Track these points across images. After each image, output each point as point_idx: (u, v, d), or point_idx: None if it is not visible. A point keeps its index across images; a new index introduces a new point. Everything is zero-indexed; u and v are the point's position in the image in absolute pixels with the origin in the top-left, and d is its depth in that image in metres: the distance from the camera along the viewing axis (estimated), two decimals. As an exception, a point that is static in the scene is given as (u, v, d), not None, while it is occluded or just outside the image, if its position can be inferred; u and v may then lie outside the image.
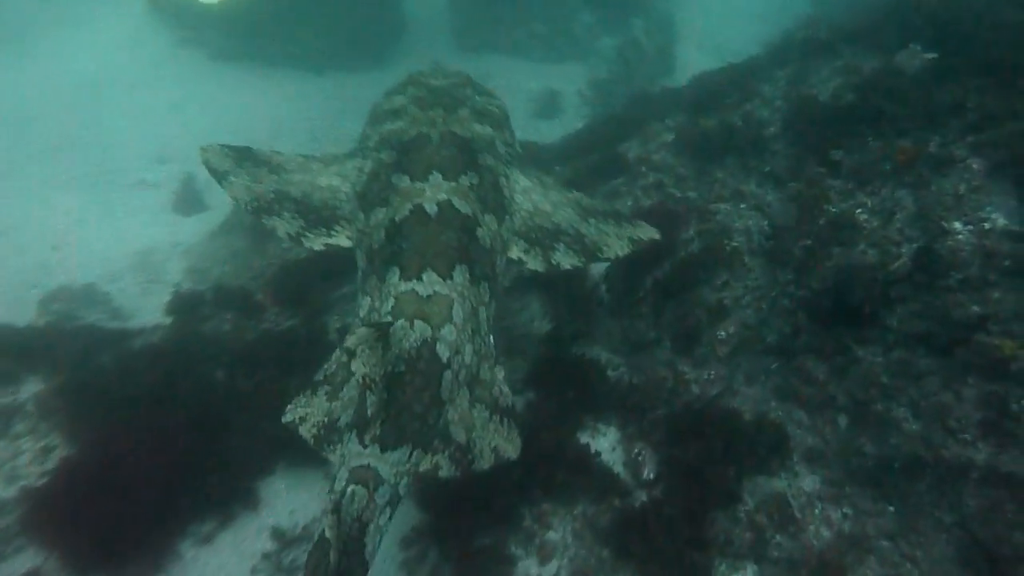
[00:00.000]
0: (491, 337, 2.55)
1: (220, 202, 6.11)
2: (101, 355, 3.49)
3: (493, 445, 2.37)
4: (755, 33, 9.19)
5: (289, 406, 2.40)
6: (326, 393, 2.42)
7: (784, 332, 3.03)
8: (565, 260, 2.70)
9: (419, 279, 2.39)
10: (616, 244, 2.73)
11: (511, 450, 2.36)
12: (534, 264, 2.70)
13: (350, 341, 2.09)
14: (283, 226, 2.70)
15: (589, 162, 4.48)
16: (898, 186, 2.76)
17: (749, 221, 3.44)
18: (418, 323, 2.29)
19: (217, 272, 4.83)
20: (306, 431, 2.36)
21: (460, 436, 2.33)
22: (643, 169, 4.21)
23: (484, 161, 2.76)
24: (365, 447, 2.15)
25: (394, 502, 2.16)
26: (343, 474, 2.15)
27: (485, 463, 2.34)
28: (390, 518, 2.16)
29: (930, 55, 3.30)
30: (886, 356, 2.63)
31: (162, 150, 6.35)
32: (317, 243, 2.71)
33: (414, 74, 3.39)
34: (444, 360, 2.28)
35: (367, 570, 2.05)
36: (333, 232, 2.74)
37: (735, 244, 3.39)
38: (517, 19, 7.51)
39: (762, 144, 3.80)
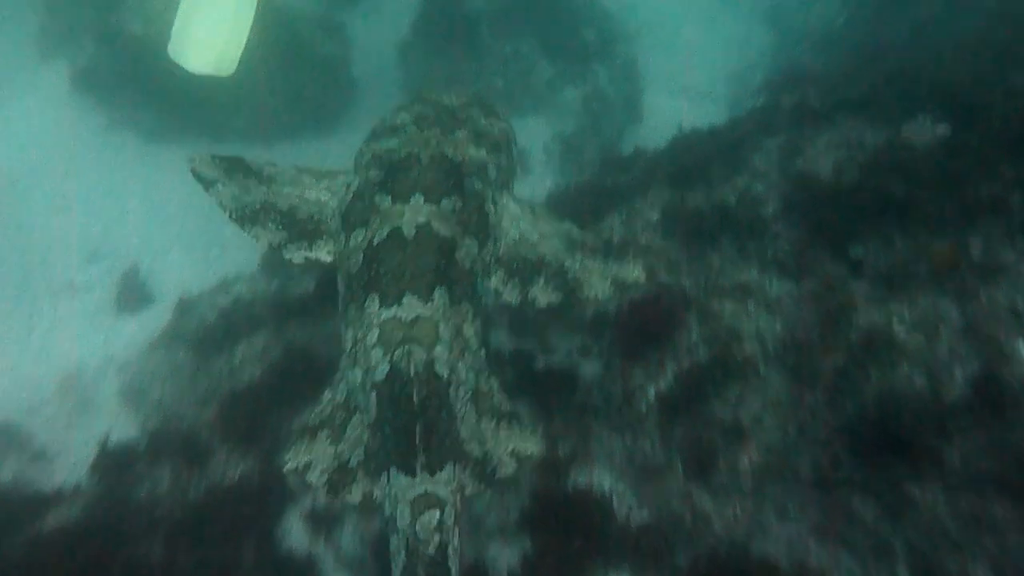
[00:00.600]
0: (482, 351, 2.59)
1: (167, 291, 5.60)
2: (7, 537, 2.93)
3: (511, 449, 2.41)
4: (720, 70, 9.08)
5: (288, 455, 2.38)
6: (328, 437, 2.43)
7: (818, 462, 2.64)
8: (542, 296, 2.67)
9: (399, 304, 2.41)
10: (598, 285, 2.69)
11: (531, 447, 2.41)
12: (509, 296, 2.68)
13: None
14: (266, 236, 2.75)
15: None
16: (938, 294, 2.41)
17: (760, 322, 3.07)
18: (413, 347, 2.31)
19: (156, 394, 4.30)
20: (316, 477, 2.35)
21: (475, 451, 2.38)
22: (631, 254, 3.84)
23: (471, 185, 2.76)
24: (415, 476, 2.20)
25: (459, 519, 2.24)
26: (403, 511, 2.19)
27: (508, 469, 2.37)
28: (459, 537, 2.22)
29: (942, 127, 3.00)
30: (950, 499, 2.25)
31: (94, 246, 5.80)
32: (298, 255, 2.75)
33: (425, 91, 3.42)
34: (444, 378, 2.33)
35: None
36: (314, 246, 2.77)
37: (747, 351, 3.01)
38: (473, 74, 7.20)
39: (761, 226, 3.45)
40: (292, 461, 2.37)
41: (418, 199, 2.62)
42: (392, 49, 7.75)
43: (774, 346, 2.94)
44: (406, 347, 2.30)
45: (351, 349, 2.46)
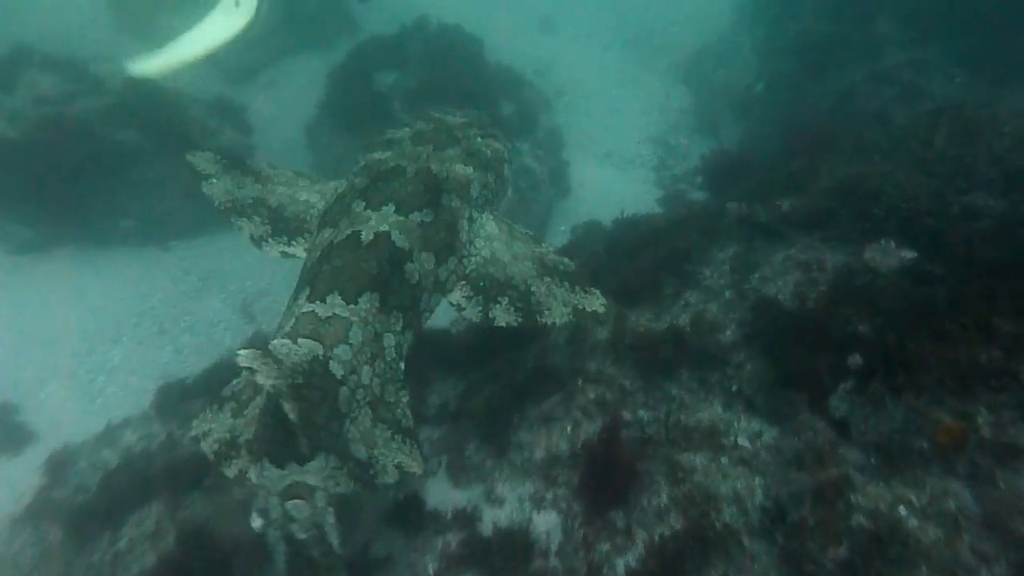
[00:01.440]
0: (401, 364, 2.66)
1: (42, 432, 4.85)
2: None
3: (397, 461, 2.49)
4: (642, 131, 9.02)
5: (195, 421, 2.53)
6: (231, 410, 2.55)
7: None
8: (502, 316, 2.76)
9: (323, 301, 2.53)
10: (557, 311, 2.77)
11: (415, 466, 2.48)
12: (470, 313, 2.78)
13: (242, 360, 2.13)
14: (249, 227, 2.96)
15: (509, 378, 3.69)
16: (948, 476, 2.13)
17: (737, 482, 2.74)
18: (305, 341, 2.40)
19: (22, 589, 3.56)
20: (207, 446, 2.50)
21: (361, 453, 2.46)
22: (579, 382, 3.48)
23: (448, 202, 2.87)
24: (283, 468, 2.28)
25: (333, 501, 2.34)
26: (273, 501, 2.31)
27: (389, 478, 2.47)
28: (335, 516, 2.34)
29: (907, 252, 2.80)
30: None
31: (-51, 383, 4.98)
32: (275, 250, 2.94)
33: (434, 111, 3.57)
34: (338, 377, 2.40)
35: (341, 558, 2.30)
36: (293, 242, 2.95)
37: (726, 519, 2.66)
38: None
39: (721, 355, 3.16)
40: (195, 429, 2.53)
41: (389, 208, 2.76)
42: (298, 131, 7.29)
43: (758, 516, 2.60)
44: (308, 341, 2.40)
45: (275, 334, 2.55)
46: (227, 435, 2.50)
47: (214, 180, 3.12)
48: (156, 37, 7.72)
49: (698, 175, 5.54)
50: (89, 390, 5.19)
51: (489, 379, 3.79)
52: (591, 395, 3.41)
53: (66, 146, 5.27)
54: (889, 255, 2.81)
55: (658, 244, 3.98)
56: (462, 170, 3.02)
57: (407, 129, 3.32)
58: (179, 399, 4.29)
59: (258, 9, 5.69)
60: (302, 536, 2.26)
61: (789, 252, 3.23)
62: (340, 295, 2.54)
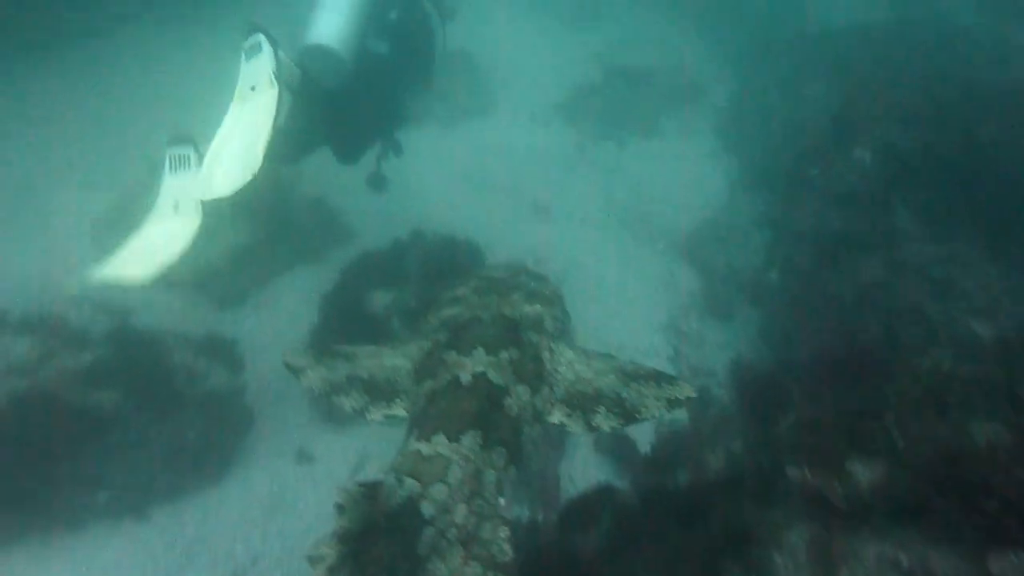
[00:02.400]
0: (501, 500, 2.74)
1: None
2: None
3: None
4: (652, 317, 8.79)
5: (318, 549, 2.48)
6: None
7: None
8: (605, 423, 3.01)
9: (428, 440, 2.75)
10: (653, 405, 3.00)
11: None
12: (575, 427, 3.04)
13: (340, 497, 2.38)
14: (349, 402, 3.23)
15: None
16: None
17: None
18: (408, 480, 2.56)
19: None
20: (322, 572, 2.46)
21: None
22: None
23: (528, 338, 3.25)
24: None
25: None
26: None
27: None
28: None
29: None
30: None
31: None
32: (377, 414, 3.18)
33: (476, 270, 4.01)
34: (427, 517, 2.50)
35: None
36: (392, 404, 3.20)
37: None
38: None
39: None
40: (315, 550, 2.50)
41: (479, 352, 3.03)
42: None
43: None
44: (405, 479, 2.53)
45: (387, 472, 2.69)
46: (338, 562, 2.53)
47: (309, 371, 3.37)
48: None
49: (726, 383, 5.12)
50: None
51: None
52: None
53: (36, 420, 4.84)
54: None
55: (705, 513, 3.46)
56: (531, 309, 3.39)
57: (464, 288, 3.67)
58: None
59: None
60: None
61: (883, 548, 2.71)
62: (444, 434, 2.73)
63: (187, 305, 7.65)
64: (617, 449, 6.08)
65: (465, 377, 2.97)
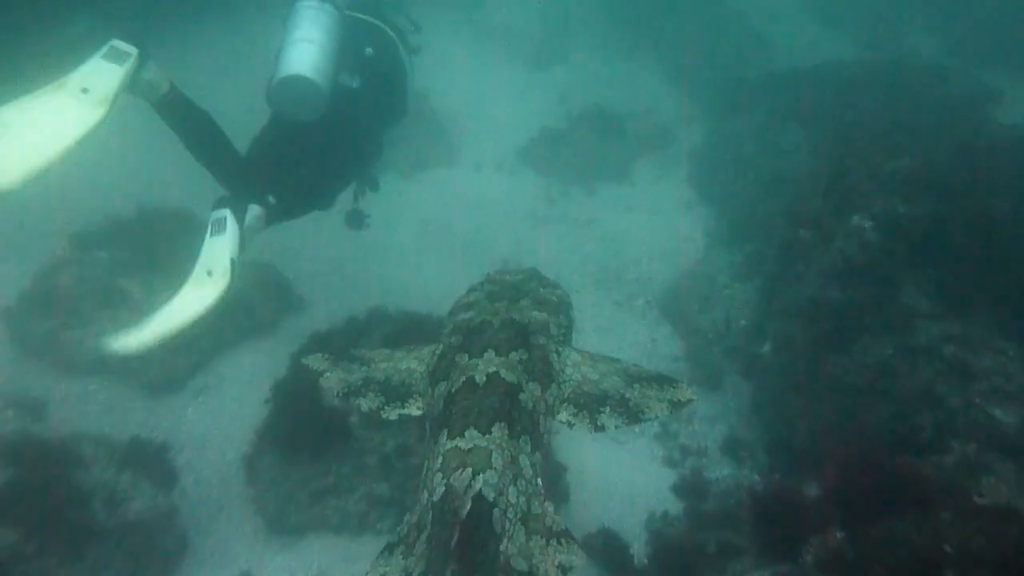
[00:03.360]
0: (538, 480, 3.00)
1: None
2: None
3: (558, 562, 2.72)
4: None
5: (372, 564, 2.84)
6: (401, 552, 2.85)
7: None
8: (610, 422, 3.13)
9: (462, 436, 2.91)
10: (657, 407, 3.14)
11: (575, 560, 2.73)
12: (581, 426, 3.16)
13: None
14: (366, 403, 3.39)
15: None
16: None
17: None
18: (464, 471, 2.77)
19: None
20: None
21: (522, 566, 2.69)
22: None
23: (536, 340, 3.39)
24: None
25: None
26: None
27: None
28: None
29: None
30: None
31: None
32: (392, 414, 3.33)
33: (492, 273, 4.20)
34: (490, 499, 2.69)
35: None
36: (406, 404, 3.36)
37: None
38: (347, 481, 5.76)
39: None
40: (374, 571, 2.80)
41: (491, 354, 3.25)
42: (236, 454, 6.25)
43: None
44: (460, 470, 2.77)
45: (423, 477, 2.95)
46: (402, 573, 2.73)
47: (328, 374, 3.55)
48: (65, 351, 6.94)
49: (740, 512, 4.58)
50: None
51: None
52: None
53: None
54: None
55: None
56: (538, 315, 3.55)
57: (477, 293, 3.81)
58: None
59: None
60: None
61: None
62: (475, 428, 2.90)
63: (112, 396, 6.87)
64: (609, 555, 5.48)
65: (480, 377, 3.14)
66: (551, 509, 2.86)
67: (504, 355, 3.21)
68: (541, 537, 2.75)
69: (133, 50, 4.48)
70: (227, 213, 4.84)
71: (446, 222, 9.89)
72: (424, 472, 2.99)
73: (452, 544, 2.39)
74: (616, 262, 9.60)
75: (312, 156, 5.40)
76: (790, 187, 9.07)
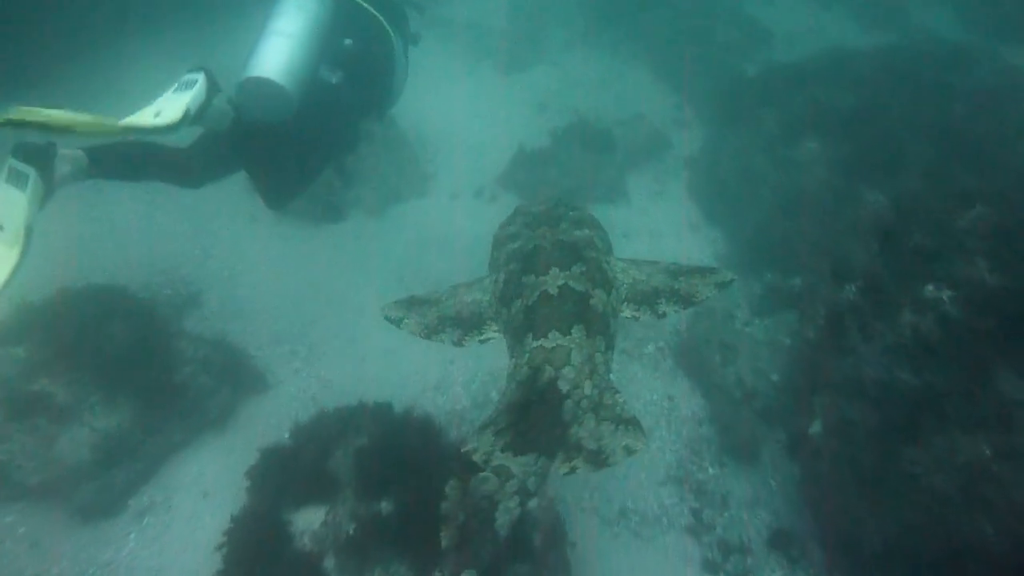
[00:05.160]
0: (610, 375, 3.63)
1: None
2: None
3: (623, 444, 3.29)
4: (654, 462, 7.43)
5: (471, 442, 3.29)
6: (491, 431, 3.29)
7: None
8: (669, 308, 3.75)
9: (546, 337, 3.51)
10: (704, 289, 3.83)
11: (639, 444, 3.33)
12: (645, 316, 3.80)
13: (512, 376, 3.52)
14: (447, 337, 3.98)
15: None
16: None
17: None
18: (546, 367, 3.40)
19: None
20: (478, 453, 3.23)
21: (592, 445, 3.29)
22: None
23: (587, 254, 3.93)
24: (502, 452, 3.16)
25: (523, 493, 3.15)
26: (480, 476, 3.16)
27: (618, 458, 3.27)
28: (519, 506, 3.15)
29: None
30: None
31: None
32: (474, 340, 3.95)
33: (519, 206, 4.75)
34: (564, 392, 3.34)
35: (496, 539, 3.08)
36: (483, 330, 3.96)
37: None
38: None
39: None
40: (472, 444, 3.25)
41: (555, 270, 3.79)
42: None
43: None
44: (544, 365, 3.39)
45: (512, 371, 3.55)
46: (491, 448, 3.20)
47: (406, 319, 4.10)
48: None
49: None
50: None
51: None
52: None
53: None
54: None
55: None
56: (580, 232, 4.11)
57: (513, 226, 4.41)
58: None
59: None
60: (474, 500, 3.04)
61: None
62: (557, 331, 3.49)
63: (35, 527, 5.86)
64: None
65: (552, 290, 3.64)
66: (621, 400, 3.42)
67: (567, 269, 3.75)
68: (610, 423, 3.31)
69: (29, 169, 4.23)
70: (201, 76, 4.60)
71: (420, 267, 8.92)
72: (511, 369, 3.56)
73: (516, 420, 3.11)
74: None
75: (278, 151, 5.20)
76: (811, 208, 8.24)
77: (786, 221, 8.31)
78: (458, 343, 3.83)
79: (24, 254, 4.19)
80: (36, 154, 4.32)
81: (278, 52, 4.77)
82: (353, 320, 8.21)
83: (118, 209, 9.01)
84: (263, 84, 4.78)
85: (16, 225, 4.16)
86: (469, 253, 9.19)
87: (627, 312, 3.71)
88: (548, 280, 3.64)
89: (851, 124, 8.38)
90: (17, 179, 4.27)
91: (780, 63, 11.07)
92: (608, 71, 12.94)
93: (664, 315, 3.62)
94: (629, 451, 3.20)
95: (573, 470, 3.15)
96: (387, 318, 4.10)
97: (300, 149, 5.36)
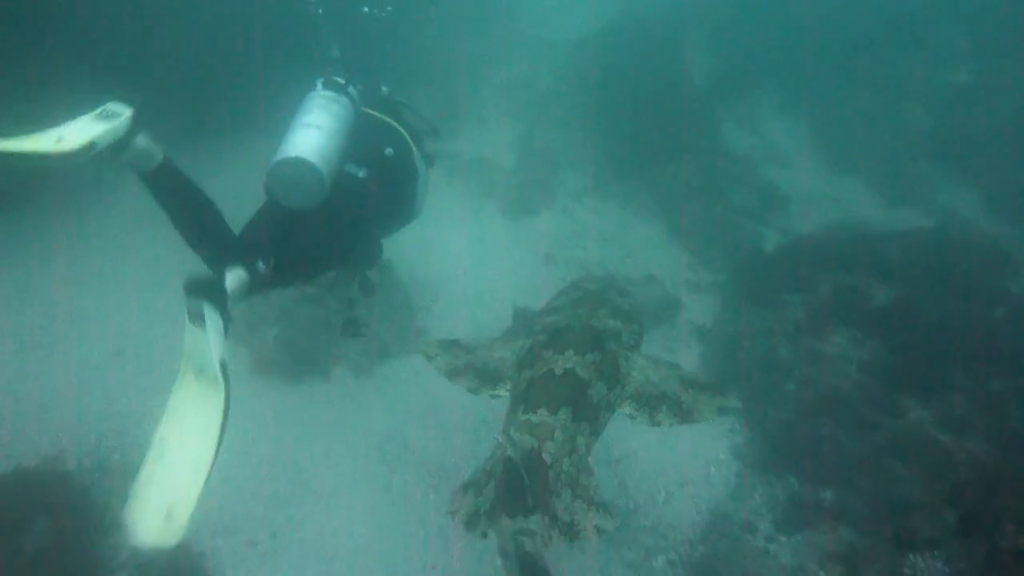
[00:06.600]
0: (589, 459, 3.96)
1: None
2: None
3: (594, 524, 3.71)
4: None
5: (452, 502, 3.96)
6: (473, 492, 3.91)
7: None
8: (666, 420, 4.20)
9: (534, 412, 4.03)
10: (706, 411, 4.19)
11: (609, 524, 3.74)
12: (642, 420, 4.20)
13: (503, 439, 3.63)
14: (466, 383, 4.65)
15: None
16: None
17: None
18: (527, 438, 3.90)
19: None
20: (459, 515, 3.88)
21: (566, 517, 3.68)
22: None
23: (609, 345, 4.43)
24: (514, 519, 3.58)
25: (548, 541, 3.60)
26: (508, 541, 3.60)
27: (588, 535, 3.61)
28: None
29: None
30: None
31: None
32: (485, 394, 4.54)
33: (577, 279, 5.55)
34: (548, 463, 3.75)
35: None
36: (497, 386, 4.52)
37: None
38: None
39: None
40: (451, 505, 3.89)
41: (570, 352, 4.30)
42: None
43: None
44: (528, 436, 3.85)
45: (501, 436, 3.81)
46: (472, 509, 3.77)
47: (438, 358, 4.83)
48: None
49: None
50: None
51: None
52: None
53: None
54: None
55: None
56: (613, 323, 4.62)
57: (564, 298, 5.07)
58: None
59: None
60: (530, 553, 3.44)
61: None
62: (545, 408, 3.99)
63: None
64: None
65: (558, 370, 4.16)
66: (595, 483, 3.86)
67: (581, 355, 4.21)
68: (584, 502, 3.73)
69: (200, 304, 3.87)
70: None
71: (404, 445, 8.14)
72: (501, 433, 3.91)
73: (523, 487, 3.47)
74: (625, 500, 7.88)
75: (306, 232, 5.14)
76: (843, 412, 7.63)
77: (814, 423, 7.67)
78: (473, 391, 4.43)
79: (229, 396, 3.67)
80: (204, 287, 4.00)
81: (309, 139, 4.83)
82: (324, 504, 7.35)
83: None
84: (297, 164, 4.75)
85: (211, 365, 3.71)
86: (461, 427, 8.47)
87: (627, 409, 4.17)
88: (560, 360, 4.22)
89: (884, 322, 7.91)
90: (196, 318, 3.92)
91: (800, 236, 10.79)
92: (619, 224, 12.66)
93: (659, 424, 4.10)
94: (599, 531, 3.60)
95: (550, 537, 3.52)
96: (424, 354, 4.87)
97: (321, 236, 5.21)
